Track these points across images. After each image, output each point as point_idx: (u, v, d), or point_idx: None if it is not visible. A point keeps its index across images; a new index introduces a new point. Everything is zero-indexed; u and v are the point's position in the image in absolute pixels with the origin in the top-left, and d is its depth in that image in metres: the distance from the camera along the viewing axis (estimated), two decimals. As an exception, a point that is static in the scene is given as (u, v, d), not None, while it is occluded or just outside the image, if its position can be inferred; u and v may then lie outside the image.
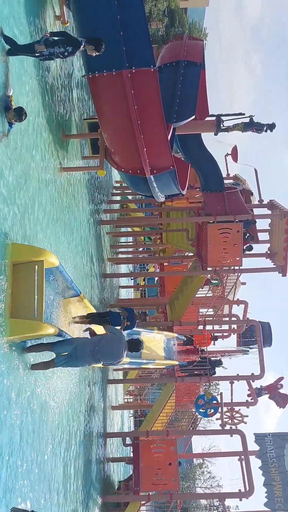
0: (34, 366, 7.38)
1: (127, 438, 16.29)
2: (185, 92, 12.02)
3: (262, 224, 16.46)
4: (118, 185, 23.16)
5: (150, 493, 13.48)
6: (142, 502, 13.54)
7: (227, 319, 18.92)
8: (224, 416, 14.93)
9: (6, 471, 6.06)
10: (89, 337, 8.44)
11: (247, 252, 16.19)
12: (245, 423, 15.14)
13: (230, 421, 15.16)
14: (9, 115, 6.74)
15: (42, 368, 7.58)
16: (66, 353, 7.63)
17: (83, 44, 7.55)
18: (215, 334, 19.39)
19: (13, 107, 6.79)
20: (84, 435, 11.36)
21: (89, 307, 10.65)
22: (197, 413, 16.12)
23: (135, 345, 8.29)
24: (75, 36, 7.74)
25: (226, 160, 18.75)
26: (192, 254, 18.77)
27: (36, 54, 7.32)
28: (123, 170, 11.30)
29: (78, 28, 9.46)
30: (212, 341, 19.21)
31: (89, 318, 10.40)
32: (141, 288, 34.78)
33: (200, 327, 17.00)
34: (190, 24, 45.56)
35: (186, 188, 13.48)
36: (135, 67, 8.96)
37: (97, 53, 7.83)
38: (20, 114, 6.79)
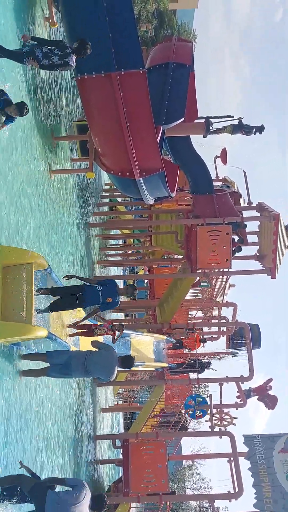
0: (26, 372, 7.39)
1: (117, 440, 16.25)
2: (174, 94, 12.05)
3: (251, 226, 16.57)
4: (108, 187, 23.13)
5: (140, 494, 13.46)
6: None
7: (216, 321, 18.98)
8: (214, 418, 14.94)
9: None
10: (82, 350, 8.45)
11: (236, 254, 16.26)
12: (234, 424, 15.17)
13: (219, 423, 15.18)
14: (10, 108, 6.72)
15: (34, 375, 7.62)
16: (60, 364, 7.59)
17: (70, 63, 7.57)
18: (204, 337, 19.43)
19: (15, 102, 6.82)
20: (74, 437, 11.31)
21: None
22: (186, 415, 16.13)
23: (128, 361, 8.07)
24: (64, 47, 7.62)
25: (215, 162, 18.82)
26: (181, 256, 18.80)
27: (24, 60, 7.23)
28: (112, 172, 11.29)
29: (66, 30, 9.45)
30: (201, 343, 19.23)
31: (54, 302, 8.12)
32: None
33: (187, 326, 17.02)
34: (179, 25, 45.64)
35: (175, 190, 13.51)
36: (124, 69, 8.97)
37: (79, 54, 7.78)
38: (21, 108, 6.80)
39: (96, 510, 6.22)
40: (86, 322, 10.05)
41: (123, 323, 11.42)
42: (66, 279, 8.43)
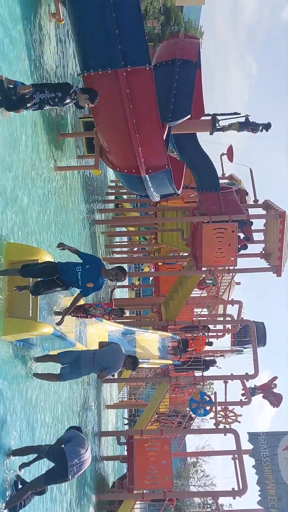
0: (37, 375, 7.66)
1: (122, 437, 16.29)
2: (181, 91, 12.01)
3: (257, 224, 16.52)
4: (113, 184, 23.14)
5: (144, 491, 13.51)
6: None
7: (221, 319, 18.97)
8: (218, 415, 14.95)
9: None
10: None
11: (242, 251, 16.23)
12: (239, 422, 15.18)
13: (224, 420, 15.19)
14: (24, 89, 6.79)
15: (45, 379, 7.92)
16: (70, 362, 7.85)
17: (74, 89, 7.12)
18: (210, 340, 19.46)
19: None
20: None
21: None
22: (191, 412, 16.14)
23: (135, 361, 8.20)
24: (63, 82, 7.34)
25: (221, 160, 18.78)
26: (187, 254, 18.79)
27: (28, 105, 6.76)
28: (118, 169, 11.27)
29: (73, 27, 9.43)
30: (207, 346, 19.26)
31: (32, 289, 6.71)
32: (135, 288, 34.80)
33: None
34: (186, 22, 45.45)
35: (181, 187, 13.49)
36: (131, 65, 8.94)
37: (91, 104, 7.48)
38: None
39: None
40: (80, 302, 9.07)
41: (124, 310, 10.07)
42: (60, 249, 7.41)
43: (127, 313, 25.39)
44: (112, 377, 9.02)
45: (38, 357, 7.81)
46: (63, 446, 6.70)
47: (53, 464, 6.59)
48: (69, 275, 6.96)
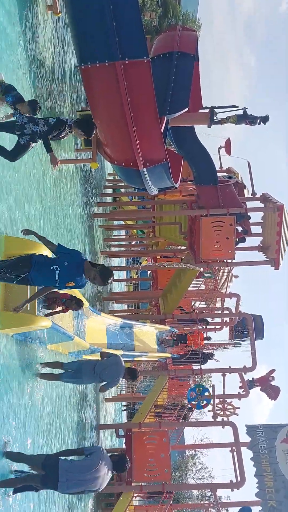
0: (42, 375, 8.03)
1: (120, 430, 16.35)
2: (179, 83, 11.94)
3: (255, 217, 16.52)
4: (111, 177, 23.07)
5: (143, 483, 13.59)
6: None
7: (219, 312, 19.01)
8: (216, 408, 15.02)
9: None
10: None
11: (240, 245, 16.24)
12: (237, 414, 15.25)
13: (222, 413, 15.26)
14: (21, 106, 6.62)
15: (49, 379, 8.26)
16: (72, 369, 8.31)
17: (69, 123, 6.89)
18: (209, 335, 19.51)
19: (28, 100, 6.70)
20: (77, 426, 11.39)
21: (82, 299, 10.55)
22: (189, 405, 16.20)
23: (133, 373, 8.56)
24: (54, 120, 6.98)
25: (219, 153, 18.74)
26: (185, 247, 18.79)
27: (17, 133, 6.59)
28: (115, 162, 11.23)
29: (70, 19, 9.36)
30: (205, 341, 19.34)
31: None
32: (133, 281, 34.82)
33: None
34: (183, 14, 45.27)
35: (179, 181, 13.45)
36: (128, 58, 8.88)
37: (87, 138, 7.39)
38: (34, 106, 6.69)
39: (119, 471, 6.71)
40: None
41: (81, 302, 8.90)
42: (24, 234, 6.20)
43: (125, 306, 25.47)
44: None
45: (45, 362, 8.20)
46: (64, 458, 6.28)
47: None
48: (43, 276, 5.80)
